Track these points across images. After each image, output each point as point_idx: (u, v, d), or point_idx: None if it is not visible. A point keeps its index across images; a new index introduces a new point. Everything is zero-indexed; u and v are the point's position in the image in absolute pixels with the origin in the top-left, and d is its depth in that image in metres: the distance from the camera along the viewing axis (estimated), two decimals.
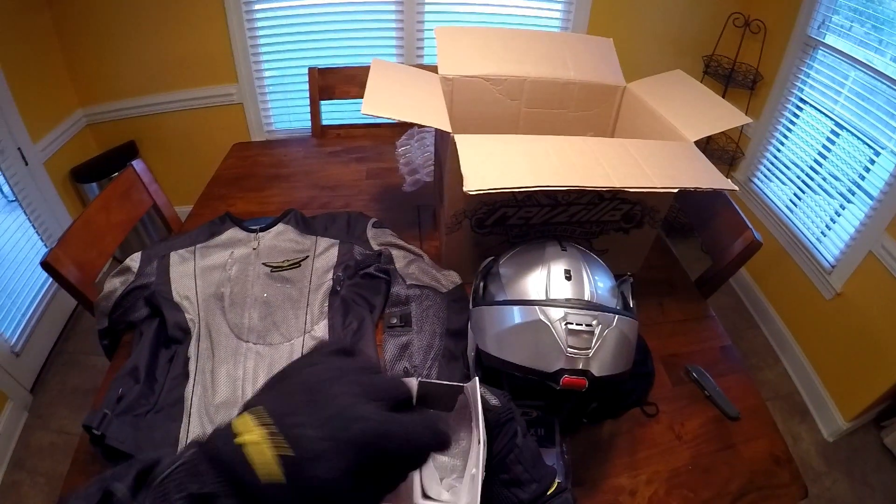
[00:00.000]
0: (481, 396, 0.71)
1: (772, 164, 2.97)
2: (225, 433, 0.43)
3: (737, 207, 1.59)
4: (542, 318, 0.88)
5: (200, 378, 1.14)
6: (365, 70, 2.22)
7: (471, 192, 0.94)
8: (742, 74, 2.93)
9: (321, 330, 1.25)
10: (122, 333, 1.33)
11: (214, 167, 2.03)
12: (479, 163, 1.01)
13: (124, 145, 3.13)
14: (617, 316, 0.89)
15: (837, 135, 2.52)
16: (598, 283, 0.95)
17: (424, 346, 1.21)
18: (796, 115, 2.78)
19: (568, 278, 0.94)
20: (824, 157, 2.61)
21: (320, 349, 0.54)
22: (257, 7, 2.80)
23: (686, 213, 1.77)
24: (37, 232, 2.69)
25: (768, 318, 2.97)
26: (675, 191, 1.04)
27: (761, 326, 3.03)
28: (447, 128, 1.14)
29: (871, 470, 2.35)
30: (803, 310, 2.73)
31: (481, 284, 1.08)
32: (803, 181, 2.73)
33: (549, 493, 0.68)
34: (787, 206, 2.85)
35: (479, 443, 0.67)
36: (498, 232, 1.31)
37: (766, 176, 3.03)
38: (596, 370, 0.86)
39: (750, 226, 1.50)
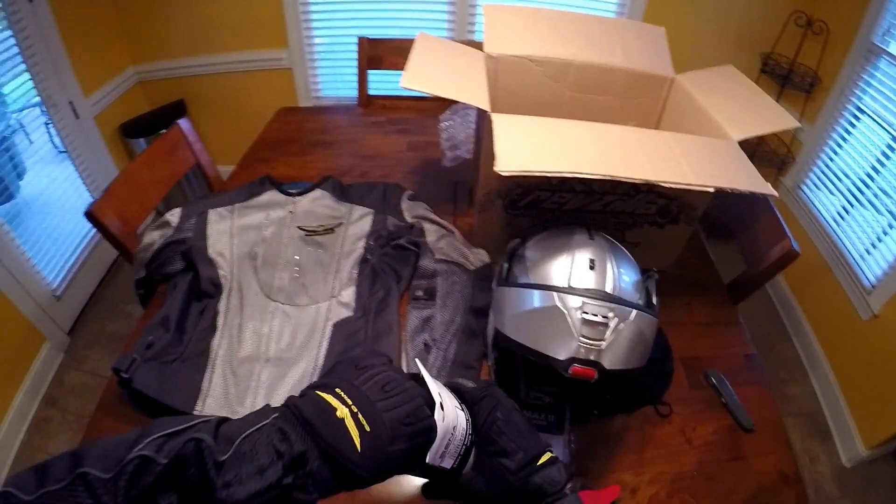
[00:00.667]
0: (458, 382, 0.76)
1: (822, 172, 2.83)
2: (324, 407, 0.59)
3: (778, 214, 1.53)
4: (559, 304, 0.87)
5: (227, 332, 1.17)
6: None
7: (501, 173, 0.93)
8: (800, 76, 2.80)
9: (348, 296, 1.27)
10: (157, 284, 1.36)
11: (260, 130, 2.06)
12: (513, 144, 0.99)
13: (173, 104, 3.19)
14: (635, 311, 0.88)
15: (893, 149, 2.39)
16: (622, 276, 0.94)
17: (446, 321, 1.22)
18: (853, 125, 2.63)
19: (591, 268, 0.93)
20: (877, 172, 2.46)
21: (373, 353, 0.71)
22: None
23: (725, 214, 1.72)
24: (84, 183, 2.77)
25: (802, 332, 2.85)
26: (712, 190, 1.01)
27: (793, 339, 2.92)
28: (485, 106, 1.13)
29: (883, 503, 2.27)
30: (838, 328, 2.61)
31: (506, 265, 1.07)
32: (853, 194, 2.59)
33: (540, 462, 0.68)
34: (833, 219, 2.71)
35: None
36: (530, 215, 1.30)
37: (815, 184, 2.89)
38: (607, 363, 0.85)
39: (789, 234, 1.44)
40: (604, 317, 0.85)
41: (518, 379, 1.03)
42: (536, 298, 0.91)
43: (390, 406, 0.61)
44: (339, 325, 1.21)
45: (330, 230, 1.39)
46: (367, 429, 0.58)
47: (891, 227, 2.36)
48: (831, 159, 2.78)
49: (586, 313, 0.85)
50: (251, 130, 2.02)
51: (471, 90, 1.19)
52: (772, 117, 1.27)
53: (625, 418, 1.11)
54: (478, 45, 1.44)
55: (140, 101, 3.18)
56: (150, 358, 1.11)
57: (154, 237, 1.36)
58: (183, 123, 1.78)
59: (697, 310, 1.40)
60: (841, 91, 2.64)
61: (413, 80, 1.12)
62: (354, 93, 2.29)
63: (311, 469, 0.56)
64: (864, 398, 2.39)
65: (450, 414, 0.67)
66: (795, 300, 2.97)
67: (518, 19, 1.49)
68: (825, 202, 2.80)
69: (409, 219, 1.44)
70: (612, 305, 0.86)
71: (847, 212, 2.62)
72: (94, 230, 1.59)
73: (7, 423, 2.18)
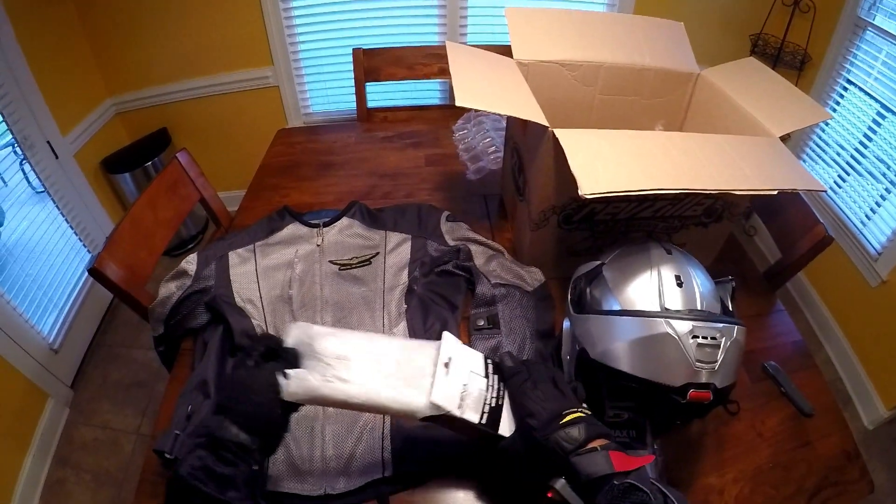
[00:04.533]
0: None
1: (817, 145, 2.90)
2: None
3: (807, 200, 1.54)
4: (668, 330, 0.83)
5: None
6: (412, 51, 2.22)
7: (586, 197, 0.88)
8: (790, 55, 2.83)
9: (401, 332, 1.18)
10: (180, 340, 1.26)
11: (251, 152, 1.98)
12: (588, 163, 0.95)
13: (156, 133, 3.07)
14: (737, 326, 0.86)
15: (884, 117, 2.46)
16: (704, 289, 0.92)
17: (515, 349, 1.14)
18: (842, 96, 2.71)
19: (679, 285, 0.90)
20: (870, 140, 2.55)
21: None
22: None
23: (753, 204, 1.70)
24: (70, 225, 2.64)
25: (812, 304, 2.91)
26: (776, 193, 0.99)
27: (804, 311, 2.97)
28: (543, 121, 1.07)
29: None
30: (848, 296, 2.67)
31: (586, 289, 1.02)
32: (848, 163, 2.67)
33: (563, 421, 0.74)
34: (831, 188, 2.79)
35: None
36: (584, 228, 1.26)
37: (810, 157, 2.96)
38: (719, 382, 0.83)
39: (821, 220, 1.46)
40: (712, 338, 0.83)
41: (603, 401, 0.99)
42: (639, 326, 0.87)
43: None
44: None
45: (366, 262, 1.30)
46: None
47: (888, 191, 2.43)
48: (824, 131, 2.85)
49: (697, 336, 0.82)
50: (242, 153, 1.95)
51: (523, 104, 1.13)
52: (805, 110, 1.25)
53: (700, 423, 1.11)
54: (495, 50, 1.38)
55: (120, 134, 3.05)
56: (194, 431, 1.00)
57: (171, 289, 1.25)
58: (182, 157, 1.67)
59: (742, 303, 1.36)
60: (831, 66, 2.70)
61: (467, 98, 1.05)
62: (346, 106, 2.23)
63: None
64: (882, 361, 2.46)
65: (458, 372, 0.81)
66: (803, 273, 2.97)
67: (541, 22, 1.44)
68: (821, 174, 2.87)
69: (451, 242, 1.35)
70: (720, 325, 0.84)
71: (844, 180, 2.71)
72: (86, 274, 1.48)
73: (20, 489, 2.07)
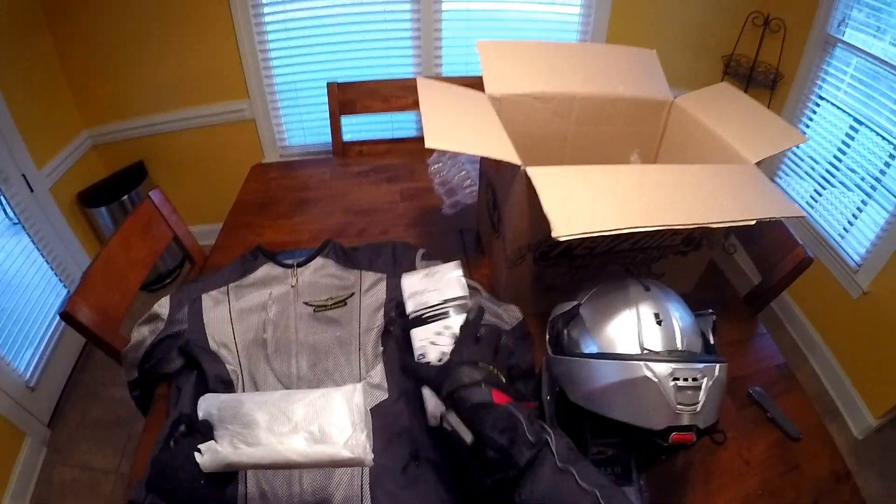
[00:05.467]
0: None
1: (792, 161, 2.94)
2: None
3: (785, 221, 1.53)
4: (648, 374, 0.82)
5: None
6: (386, 84, 2.22)
7: (560, 239, 0.88)
8: (762, 74, 2.88)
9: (378, 375, 1.15)
10: (155, 385, 1.24)
11: (228, 185, 1.96)
12: (561, 203, 0.94)
13: (132, 166, 3.05)
14: (718, 365, 0.84)
15: (857, 130, 2.51)
16: (685, 326, 0.90)
17: None
18: (814, 111, 2.76)
19: (658, 323, 0.89)
20: (844, 153, 2.59)
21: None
22: (268, 20, 2.71)
23: (734, 229, 1.71)
24: (46, 260, 2.61)
25: (794, 319, 2.93)
26: (754, 223, 0.98)
27: (787, 327, 2.99)
28: (516, 160, 1.06)
29: None
30: (830, 309, 2.70)
31: (563, 330, 1.01)
32: (823, 177, 2.71)
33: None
34: (808, 203, 2.83)
35: None
36: (561, 263, 1.25)
37: (785, 173, 3.00)
38: (702, 423, 0.82)
39: (800, 242, 1.46)
40: (694, 379, 0.81)
41: (586, 439, 0.99)
42: (618, 370, 0.86)
43: None
44: (376, 412, 1.08)
45: (341, 302, 1.27)
46: None
47: (864, 203, 2.47)
48: (798, 146, 2.85)
49: (678, 379, 0.81)
50: (218, 186, 1.93)
51: (495, 143, 1.12)
52: (780, 134, 1.25)
53: (686, 454, 1.10)
54: (465, 83, 1.38)
55: (96, 167, 3.03)
56: None
57: (144, 333, 1.22)
58: (154, 196, 1.64)
59: (724, 329, 1.37)
60: (802, 83, 2.75)
61: (437, 139, 1.04)
62: (322, 139, 2.23)
63: None
64: (867, 371, 2.49)
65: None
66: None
67: (513, 55, 1.44)
68: (797, 188, 2.92)
69: None
70: (700, 366, 0.83)
71: (820, 194, 2.75)
72: None
73: None
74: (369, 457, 0.79)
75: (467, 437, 0.76)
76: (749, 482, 1.06)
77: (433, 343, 0.99)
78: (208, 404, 0.86)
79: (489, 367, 0.85)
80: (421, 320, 1.05)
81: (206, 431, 0.82)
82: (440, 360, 0.92)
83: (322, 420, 0.81)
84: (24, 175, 2.45)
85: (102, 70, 2.75)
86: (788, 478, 1.08)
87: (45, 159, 2.61)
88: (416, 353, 1.01)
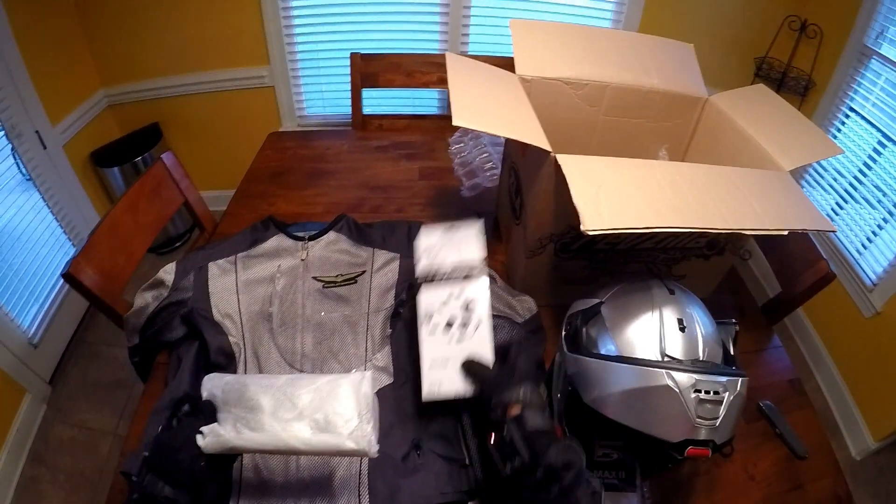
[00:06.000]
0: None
1: (816, 171, 2.86)
2: None
3: (811, 235, 1.50)
4: (669, 383, 0.78)
5: None
6: (411, 58, 2.16)
7: (588, 233, 0.83)
8: (794, 80, 2.80)
9: (384, 359, 1.12)
10: (155, 352, 1.22)
11: (243, 152, 1.92)
12: (591, 195, 0.90)
13: (147, 128, 3.02)
14: (740, 379, 0.81)
15: (884, 146, 2.43)
16: (708, 334, 0.87)
17: None
18: (843, 123, 2.68)
19: (682, 329, 0.86)
20: (869, 168, 2.52)
21: None
22: None
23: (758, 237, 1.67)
24: (55, 218, 2.59)
25: (804, 331, 2.88)
26: (786, 233, 0.94)
27: (796, 339, 2.94)
28: (546, 146, 1.01)
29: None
30: (841, 326, 2.65)
31: (582, 329, 0.97)
32: (847, 191, 2.64)
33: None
34: (828, 216, 2.74)
35: None
36: (582, 257, 1.21)
37: (808, 183, 2.92)
38: (718, 438, 0.79)
39: (824, 256, 1.42)
40: (716, 392, 0.78)
41: (592, 439, 0.97)
42: (638, 376, 0.82)
43: None
44: (379, 396, 1.03)
45: (352, 280, 1.23)
46: None
47: (885, 221, 2.41)
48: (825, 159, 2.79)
49: (699, 391, 0.78)
50: (233, 153, 1.89)
51: (524, 126, 1.08)
52: (816, 143, 1.21)
53: (691, 463, 1.07)
54: (495, 62, 1.32)
55: (111, 127, 3.00)
56: None
57: (147, 299, 1.19)
58: (166, 159, 1.60)
59: (740, 338, 1.33)
60: (834, 93, 2.67)
61: (464, 117, 0.99)
62: (342, 110, 2.18)
63: None
64: (871, 393, 2.44)
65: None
66: None
67: (546, 36, 1.39)
68: (819, 200, 2.83)
69: None
70: (723, 380, 0.79)
71: (841, 207, 2.68)
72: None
73: None
74: (374, 448, 0.78)
75: (525, 454, 0.74)
76: (752, 497, 1.04)
77: (441, 308, 1.00)
78: (213, 385, 0.85)
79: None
80: (430, 282, 1.04)
81: (209, 412, 0.82)
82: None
83: (328, 408, 0.80)
84: (37, 131, 2.43)
85: (122, 29, 2.70)
86: (790, 496, 1.05)
87: (59, 116, 2.58)
88: (422, 315, 1.00)
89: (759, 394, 1.21)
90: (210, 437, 0.78)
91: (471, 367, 0.93)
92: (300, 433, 0.78)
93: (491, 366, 0.93)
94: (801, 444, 1.12)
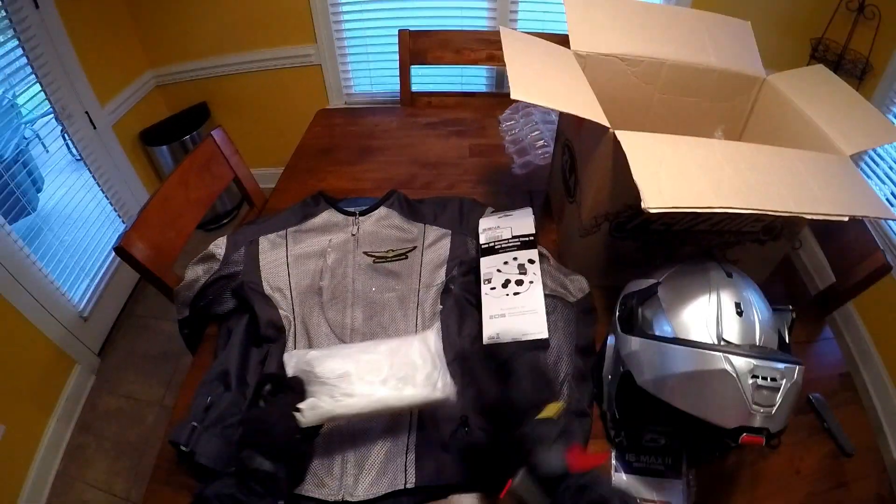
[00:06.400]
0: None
1: (871, 159, 2.73)
2: None
3: (868, 225, 1.44)
4: (727, 367, 0.77)
5: None
6: (460, 35, 2.14)
7: (650, 211, 0.81)
8: (851, 63, 2.66)
9: (434, 333, 1.10)
10: (205, 324, 1.23)
11: (291, 130, 1.93)
12: (651, 172, 0.88)
13: (195, 107, 3.05)
14: (798, 367, 0.79)
15: None
16: (763, 320, 0.85)
17: (551, 365, 1.06)
18: None
19: (739, 314, 0.84)
20: None
21: None
22: None
23: (811, 221, 1.62)
24: (105, 196, 2.65)
25: (853, 326, 2.77)
26: (847, 219, 0.91)
27: (845, 334, 2.82)
28: (604, 121, 0.99)
29: None
30: (892, 323, 2.54)
31: (638, 309, 0.95)
32: None
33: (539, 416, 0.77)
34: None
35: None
36: (636, 237, 1.18)
37: (863, 172, 2.77)
38: (773, 426, 0.78)
39: (881, 246, 1.36)
40: (773, 379, 0.77)
41: (642, 427, 0.98)
42: (695, 359, 0.81)
43: None
44: None
45: (402, 255, 1.24)
46: None
47: None
48: (881, 146, 2.64)
49: (756, 377, 0.76)
50: (281, 131, 1.90)
51: (582, 100, 1.06)
52: (879, 128, 1.15)
53: (737, 454, 1.05)
54: (549, 38, 1.29)
55: (160, 107, 3.04)
56: (212, 423, 0.97)
57: (198, 272, 1.21)
58: (216, 134, 1.61)
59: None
60: (893, 77, 2.53)
61: (523, 91, 0.97)
62: (389, 88, 2.16)
63: None
64: None
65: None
66: None
67: (600, 11, 1.35)
68: (874, 190, 2.65)
69: None
70: (781, 367, 0.78)
71: None
72: None
73: (42, 452, 2.10)
74: (454, 393, 0.90)
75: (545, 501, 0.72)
76: (796, 493, 1.02)
77: (499, 270, 1.15)
78: (297, 360, 0.90)
79: (559, 406, 0.82)
80: (492, 250, 1.20)
81: (298, 388, 0.86)
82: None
83: (407, 366, 0.89)
84: (87, 112, 2.47)
85: (168, 9, 2.73)
86: (834, 494, 1.02)
87: (108, 97, 2.63)
88: (483, 277, 1.15)
89: (808, 386, 1.14)
90: (310, 412, 0.83)
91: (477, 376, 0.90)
92: (391, 391, 0.87)
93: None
94: (848, 442, 1.08)
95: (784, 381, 0.77)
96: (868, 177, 2.70)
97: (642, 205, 0.81)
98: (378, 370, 0.88)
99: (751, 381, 0.76)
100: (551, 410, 0.80)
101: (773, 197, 0.89)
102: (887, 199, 2.55)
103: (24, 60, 2.14)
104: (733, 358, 0.77)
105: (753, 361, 0.76)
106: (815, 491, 1.01)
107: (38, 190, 2.41)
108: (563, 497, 0.69)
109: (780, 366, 0.77)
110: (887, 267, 1.33)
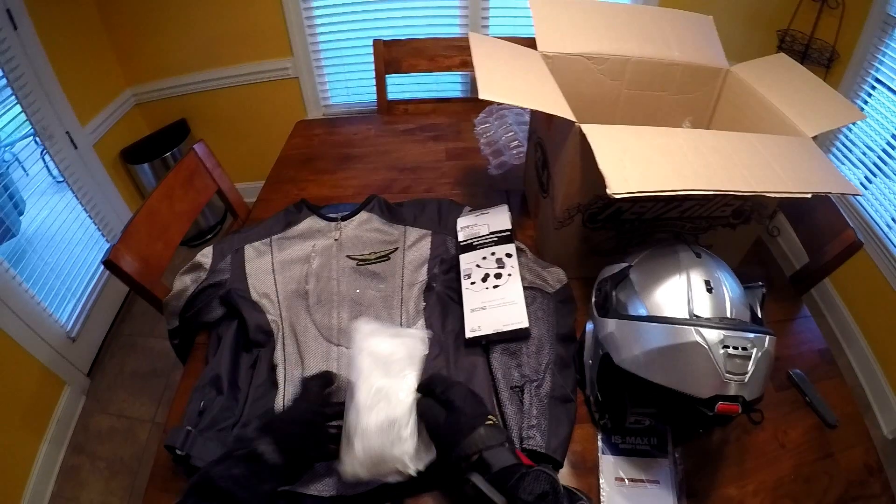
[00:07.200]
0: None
1: (843, 144, 2.81)
2: None
3: (837, 204, 1.48)
4: (698, 339, 0.80)
5: (290, 387, 1.05)
6: (433, 43, 2.18)
7: (614, 196, 0.85)
8: (818, 52, 2.74)
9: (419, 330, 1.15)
10: (194, 333, 1.25)
11: (270, 143, 1.95)
12: (616, 161, 0.91)
13: (175, 124, 3.07)
14: (768, 337, 0.82)
15: None
16: (735, 296, 0.89)
17: (533, 353, 1.09)
18: (869, 95, 2.62)
19: (709, 290, 0.87)
20: None
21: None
22: None
23: (780, 205, 1.66)
24: (89, 215, 2.65)
25: (835, 308, 2.82)
26: (809, 196, 0.94)
27: (827, 315, 2.89)
28: (569, 116, 1.03)
29: None
30: (872, 301, 2.59)
31: (612, 293, 0.99)
32: (875, 164, 2.58)
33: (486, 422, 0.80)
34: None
35: None
36: (609, 227, 1.22)
37: (836, 158, 2.86)
38: (748, 394, 0.80)
39: (851, 224, 1.41)
40: (744, 348, 0.79)
41: (625, 408, 0.99)
42: (667, 334, 0.84)
43: None
44: None
45: (385, 257, 1.27)
46: None
47: None
48: (850, 131, 2.75)
49: (728, 347, 0.79)
50: (261, 144, 1.93)
51: (548, 98, 1.09)
52: (838, 109, 1.19)
53: (722, 431, 1.08)
54: (518, 42, 1.34)
55: (140, 125, 3.05)
56: (206, 427, 0.99)
57: (186, 282, 1.23)
58: (199, 148, 1.65)
59: (769, 307, 1.34)
60: (859, 64, 2.61)
61: (491, 91, 1.01)
62: (366, 98, 2.19)
63: None
64: None
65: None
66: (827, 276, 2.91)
67: (566, 13, 1.39)
68: (847, 174, 2.76)
69: None
70: (751, 336, 0.81)
71: (870, 181, 2.62)
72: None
73: (35, 475, 2.09)
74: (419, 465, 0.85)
75: (499, 500, 0.73)
76: (782, 465, 1.05)
77: (478, 265, 1.21)
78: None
79: (495, 421, 0.82)
80: (470, 247, 1.25)
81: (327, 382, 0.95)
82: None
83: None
84: (68, 132, 2.48)
85: (145, 27, 2.74)
86: (821, 465, 1.05)
87: (88, 117, 2.63)
88: (462, 273, 1.20)
89: (788, 363, 1.21)
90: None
91: (425, 412, 0.87)
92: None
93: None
94: (831, 414, 1.12)
95: (755, 349, 0.80)
96: (841, 162, 2.77)
97: (608, 191, 0.84)
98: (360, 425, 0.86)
99: (721, 350, 0.79)
100: (491, 421, 0.81)
101: (736, 178, 0.93)
102: (861, 184, 2.62)
103: (3, 82, 2.15)
104: (704, 330, 0.80)
105: (723, 332, 0.79)
106: (802, 462, 1.05)
107: (20, 213, 2.40)
108: (518, 485, 0.71)
109: (750, 335, 0.80)
110: (858, 244, 1.37)
